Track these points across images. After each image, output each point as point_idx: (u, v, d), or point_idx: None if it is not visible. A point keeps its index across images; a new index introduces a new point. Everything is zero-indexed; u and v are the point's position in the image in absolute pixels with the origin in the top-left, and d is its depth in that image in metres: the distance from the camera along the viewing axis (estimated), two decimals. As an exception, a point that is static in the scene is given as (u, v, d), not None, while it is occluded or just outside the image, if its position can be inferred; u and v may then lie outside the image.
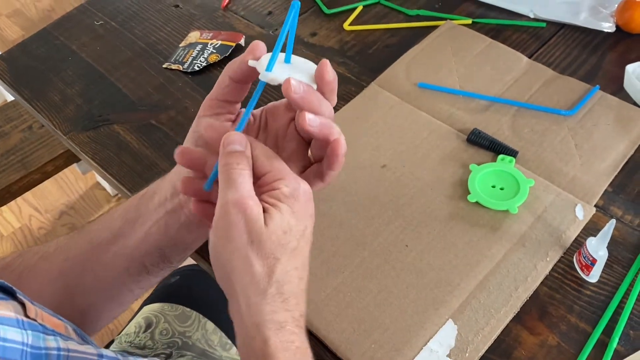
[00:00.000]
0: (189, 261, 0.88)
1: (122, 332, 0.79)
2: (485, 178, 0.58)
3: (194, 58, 0.77)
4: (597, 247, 0.48)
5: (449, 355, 0.48)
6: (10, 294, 0.38)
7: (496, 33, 0.74)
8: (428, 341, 0.48)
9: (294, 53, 0.46)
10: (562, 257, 0.53)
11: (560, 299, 0.51)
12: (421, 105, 0.66)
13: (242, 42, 0.78)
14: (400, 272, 0.53)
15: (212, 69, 0.76)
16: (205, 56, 0.76)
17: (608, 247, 0.49)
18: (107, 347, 0.75)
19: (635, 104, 0.64)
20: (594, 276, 0.51)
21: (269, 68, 0.43)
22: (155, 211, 0.49)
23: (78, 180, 1.75)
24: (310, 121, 0.43)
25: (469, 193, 0.57)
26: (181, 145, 0.47)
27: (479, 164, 0.59)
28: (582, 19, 0.73)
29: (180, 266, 0.90)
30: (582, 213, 0.55)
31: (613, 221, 0.48)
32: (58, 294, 0.50)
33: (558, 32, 0.74)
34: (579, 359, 0.47)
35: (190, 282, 0.84)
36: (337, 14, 0.81)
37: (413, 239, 0.55)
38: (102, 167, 0.67)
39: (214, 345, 0.78)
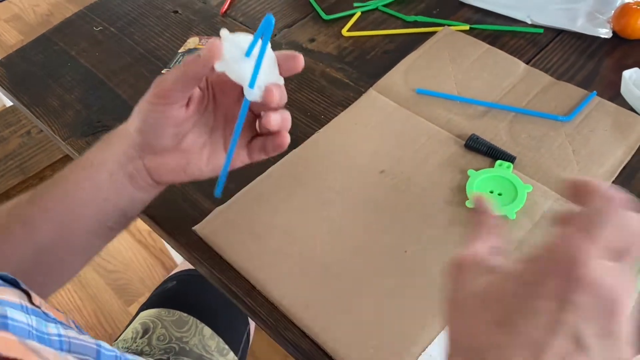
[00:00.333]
0: (186, 266, 0.89)
1: (119, 338, 0.79)
2: (483, 184, 0.58)
3: (193, 64, 0.77)
4: None
5: (447, 361, 0.48)
6: (13, 284, 0.39)
7: (494, 39, 0.75)
8: (427, 347, 0.49)
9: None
10: (560, 262, 0.53)
11: (558, 304, 0.51)
12: (419, 111, 0.66)
13: (240, 47, 0.78)
14: (399, 277, 0.53)
15: (211, 74, 0.76)
16: (204, 62, 0.77)
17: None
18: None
19: (632, 109, 0.64)
20: None
21: (251, 85, 0.45)
22: (111, 178, 0.50)
23: (76, 185, 1.75)
24: (276, 121, 0.49)
25: (467, 199, 0.57)
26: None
27: (476, 170, 0.59)
28: (579, 25, 0.74)
29: (177, 271, 0.90)
30: (580, 218, 0.55)
31: None
32: (29, 255, 0.51)
33: (555, 38, 0.74)
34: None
35: (187, 288, 0.84)
36: (336, 20, 0.81)
37: (411, 245, 0.55)
38: (101, 173, 0.67)
39: (211, 351, 0.78)
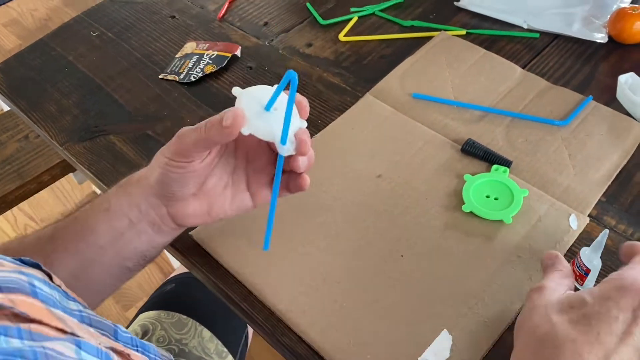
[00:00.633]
0: (185, 269, 0.89)
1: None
2: (480, 188, 0.58)
3: (190, 69, 0.77)
4: (591, 257, 0.49)
5: (444, 366, 0.48)
6: (35, 267, 0.40)
7: (490, 44, 0.75)
8: (423, 351, 0.48)
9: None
10: (556, 267, 0.53)
11: (555, 308, 0.51)
12: (416, 115, 0.67)
13: (238, 52, 0.78)
14: (396, 282, 0.53)
15: (208, 79, 0.76)
16: (202, 67, 0.77)
17: (602, 257, 0.49)
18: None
19: (628, 114, 0.64)
20: (588, 286, 0.51)
21: (283, 141, 0.45)
22: (132, 226, 0.51)
23: (74, 190, 1.75)
24: (304, 163, 0.49)
25: (464, 203, 0.57)
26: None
27: (473, 174, 0.59)
28: (575, 30, 0.74)
29: (176, 274, 0.90)
30: (576, 223, 0.55)
31: (606, 231, 0.48)
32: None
33: (551, 43, 0.74)
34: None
35: (186, 290, 0.84)
36: (333, 24, 0.82)
37: (408, 249, 0.55)
38: (98, 178, 0.67)
39: (210, 353, 0.78)
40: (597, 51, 0.72)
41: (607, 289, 0.38)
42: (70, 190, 1.75)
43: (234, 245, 0.57)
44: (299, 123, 0.48)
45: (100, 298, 0.56)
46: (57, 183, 1.27)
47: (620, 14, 0.71)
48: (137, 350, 0.44)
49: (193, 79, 0.76)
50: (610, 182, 0.59)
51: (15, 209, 1.60)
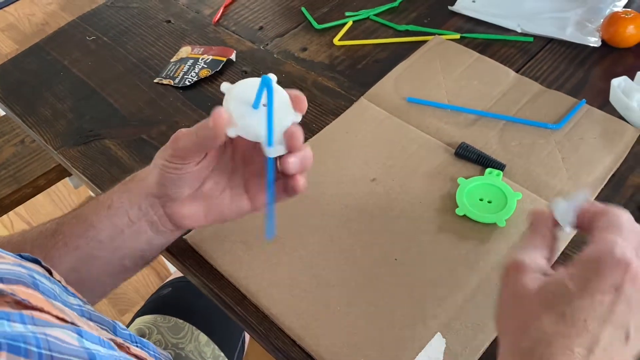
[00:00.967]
0: (182, 273, 0.89)
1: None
2: (473, 191, 0.58)
3: (185, 73, 0.77)
4: (565, 215, 0.42)
5: (437, 369, 0.48)
6: (35, 263, 0.41)
7: (484, 48, 0.75)
8: (417, 355, 0.49)
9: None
10: (549, 270, 0.53)
11: (548, 311, 0.51)
12: (410, 119, 0.67)
13: (233, 57, 0.79)
14: (390, 285, 0.53)
15: (203, 83, 0.77)
16: (197, 71, 0.77)
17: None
18: None
19: (620, 117, 0.65)
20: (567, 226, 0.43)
21: (269, 143, 0.44)
22: (131, 224, 0.51)
23: (71, 194, 1.75)
24: (294, 164, 0.47)
25: (457, 206, 0.57)
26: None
27: (467, 178, 0.59)
28: (569, 34, 0.75)
29: (172, 278, 0.90)
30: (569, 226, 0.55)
31: (584, 191, 0.45)
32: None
33: (545, 47, 0.75)
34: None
35: (182, 294, 0.84)
36: (327, 29, 0.82)
37: (402, 253, 0.55)
38: (93, 182, 0.67)
39: (207, 358, 0.78)
40: (590, 55, 0.73)
41: (587, 271, 0.36)
42: (67, 195, 1.75)
43: (228, 249, 0.57)
44: (292, 118, 0.45)
45: (97, 296, 0.56)
46: (53, 187, 1.27)
47: (613, 18, 0.71)
48: (137, 346, 0.44)
49: (188, 83, 0.76)
50: (603, 185, 0.59)
51: (11, 213, 1.60)
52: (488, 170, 0.60)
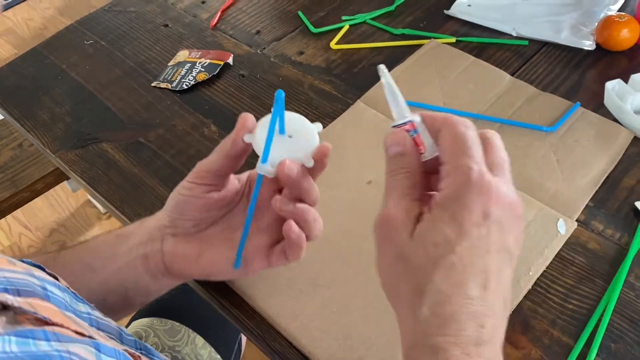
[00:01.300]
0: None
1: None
2: (469, 194, 0.59)
3: (183, 77, 0.78)
4: (398, 111, 0.41)
5: (433, 370, 0.48)
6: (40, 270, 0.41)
7: (480, 51, 0.76)
8: (412, 356, 0.49)
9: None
10: (544, 271, 0.54)
11: (544, 313, 0.51)
12: (406, 122, 0.67)
13: (230, 60, 0.79)
14: (385, 287, 0.53)
15: (201, 87, 0.77)
16: (194, 75, 0.77)
17: (590, 260, 0.49)
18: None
19: (615, 120, 0.65)
20: (430, 149, 0.40)
21: (264, 159, 0.43)
22: (128, 252, 0.51)
23: (69, 198, 1.75)
24: (295, 233, 0.46)
25: (453, 209, 0.57)
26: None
27: (462, 180, 0.60)
28: (564, 37, 0.75)
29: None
30: (564, 228, 0.56)
31: (381, 67, 0.42)
32: None
33: (540, 50, 0.75)
34: (562, 373, 0.48)
35: (178, 297, 0.84)
36: (324, 33, 0.82)
37: (398, 255, 0.55)
38: (91, 186, 0.68)
39: (203, 360, 0.78)
40: (585, 58, 0.73)
41: (455, 210, 0.34)
42: (65, 198, 1.75)
43: (225, 251, 0.57)
44: (300, 157, 0.44)
45: None
46: (51, 191, 1.28)
47: (608, 22, 0.72)
48: (142, 353, 0.44)
49: (185, 87, 0.76)
50: (598, 187, 0.59)
51: (9, 217, 1.60)
52: (483, 172, 0.60)
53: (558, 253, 0.55)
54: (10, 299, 0.32)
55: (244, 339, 0.87)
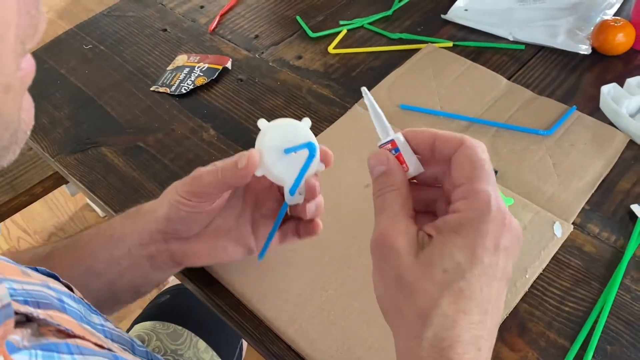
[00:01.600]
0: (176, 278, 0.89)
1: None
2: (466, 197, 0.59)
3: (181, 81, 0.78)
4: (382, 130, 0.40)
5: (430, 373, 0.48)
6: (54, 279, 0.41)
7: (476, 55, 0.76)
8: (410, 359, 0.49)
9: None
10: (541, 274, 0.54)
11: (540, 315, 0.52)
12: (403, 126, 0.67)
13: (228, 65, 0.79)
14: (383, 290, 0.54)
15: (199, 91, 0.77)
16: (192, 79, 0.78)
17: (586, 263, 0.50)
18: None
19: (611, 124, 0.66)
20: (413, 168, 0.39)
21: (292, 192, 0.46)
22: (130, 254, 0.51)
23: (68, 202, 1.75)
24: (310, 211, 0.49)
25: (450, 212, 0.58)
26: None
27: (459, 184, 0.60)
28: (560, 42, 0.76)
29: (169, 286, 0.90)
30: (560, 231, 0.56)
31: (364, 89, 0.41)
32: None
33: (537, 54, 0.76)
34: (558, 375, 0.48)
35: (181, 301, 0.85)
36: (322, 37, 0.83)
37: (395, 258, 0.56)
38: (90, 190, 0.68)
39: (205, 364, 0.78)
40: (581, 62, 0.74)
41: (470, 235, 0.34)
42: (64, 202, 1.75)
43: (224, 255, 0.58)
44: (316, 167, 0.47)
45: None
46: (50, 195, 1.28)
47: (603, 26, 0.72)
48: None
49: (184, 91, 0.77)
50: (594, 190, 0.60)
51: (8, 221, 1.60)
52: (480, 176, 0.61)
53: (554, 256, 0.55)
54: (33, 311, 0.32)
55: (244, 343, 0.88)
